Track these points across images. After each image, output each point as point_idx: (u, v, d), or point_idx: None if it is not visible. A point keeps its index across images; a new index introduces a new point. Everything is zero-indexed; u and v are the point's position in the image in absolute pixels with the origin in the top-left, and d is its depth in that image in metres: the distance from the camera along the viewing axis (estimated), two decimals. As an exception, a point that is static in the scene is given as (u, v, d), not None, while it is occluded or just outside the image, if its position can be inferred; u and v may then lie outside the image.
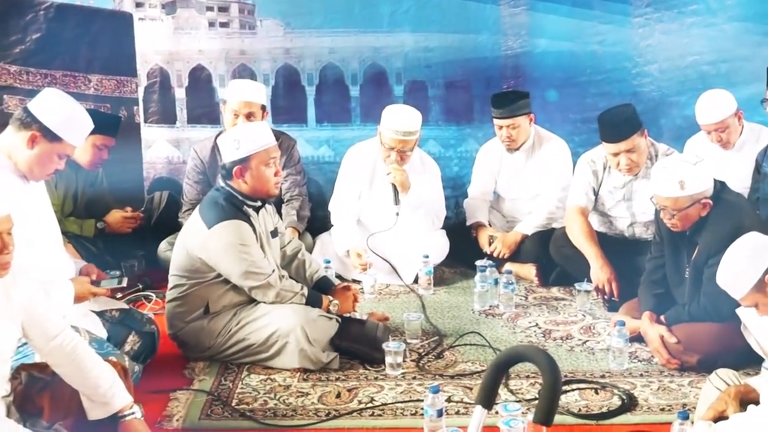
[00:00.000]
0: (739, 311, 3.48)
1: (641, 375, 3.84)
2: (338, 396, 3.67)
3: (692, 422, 3.06)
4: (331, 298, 4.16)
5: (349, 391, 3.72)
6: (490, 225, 5.40)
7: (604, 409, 3.51)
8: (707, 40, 5.75)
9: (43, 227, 3.72)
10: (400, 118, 5.02)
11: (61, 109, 3.55)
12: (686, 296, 3.95)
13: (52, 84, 5.66)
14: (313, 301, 4.06)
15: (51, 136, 3.51)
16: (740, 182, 4.43)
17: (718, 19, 5.74)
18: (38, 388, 3.21)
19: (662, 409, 3.47)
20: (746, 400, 2.90)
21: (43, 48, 5.87)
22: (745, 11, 5.70)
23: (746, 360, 3.57)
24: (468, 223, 5.43)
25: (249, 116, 4.88)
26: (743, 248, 2.87)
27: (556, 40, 5.85)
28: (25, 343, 3.21)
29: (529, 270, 5.10)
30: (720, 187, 3.96)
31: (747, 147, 4.90)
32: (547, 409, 2.29)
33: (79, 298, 3.83)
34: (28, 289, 3.15)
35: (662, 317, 3.96)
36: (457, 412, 3.44)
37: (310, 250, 4.97)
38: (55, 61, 5.91)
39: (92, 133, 3.96)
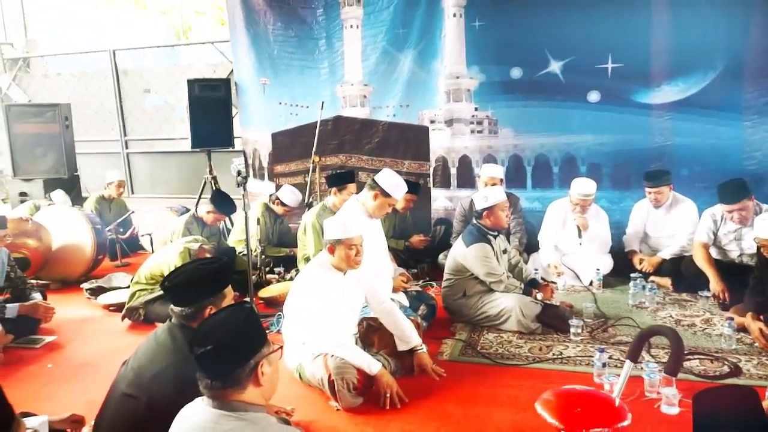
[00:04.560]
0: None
1: (745, 353, 3.42)
2: (540, 349, 3.59)
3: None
4: (537, 291, 4.07)
5: (547, 347, 3.63)
6: (640, 252, 5.01)
7: (717, 373, 3.18)
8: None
9: (378, 244, 3.96)
10: (583, 186, 4.83)
11: (392, 180, 3.79)
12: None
13: (385, 165, 5.98)
14: (526, 292, 3.99)
15: (385, 194, 3.75)
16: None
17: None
18: (372, 331, 3.41)
19: (760, 377, 3.09)
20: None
21: (380, 146, 6.25)
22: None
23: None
24: (626, 250, 5.08)
25: (493, 184, 4.89)
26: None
27: (688, 137, 5.31)
28: (366, 306, 3.42)
29: (666, 281, 4.68)
30: (805, 232, 3.49)
31: None
32: (674, 365, 2.14)
33: (395, 289, 4.02)
34: (369, 276, 3.38)
35: (761, 317, 3.53)
36: (615, 366, 3.22)
37: (526, 262, 4.89)
38: (386, 153, 6.26)
39: (406, 192, 4.18)
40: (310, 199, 5.75)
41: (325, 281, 3.15)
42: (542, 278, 4.63)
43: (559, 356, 3.48)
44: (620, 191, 5.55)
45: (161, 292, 3.68)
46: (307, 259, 4.44)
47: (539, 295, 4.01)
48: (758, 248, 3.65)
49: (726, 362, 3.28)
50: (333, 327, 3.08)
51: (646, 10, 5.30)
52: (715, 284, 4.20)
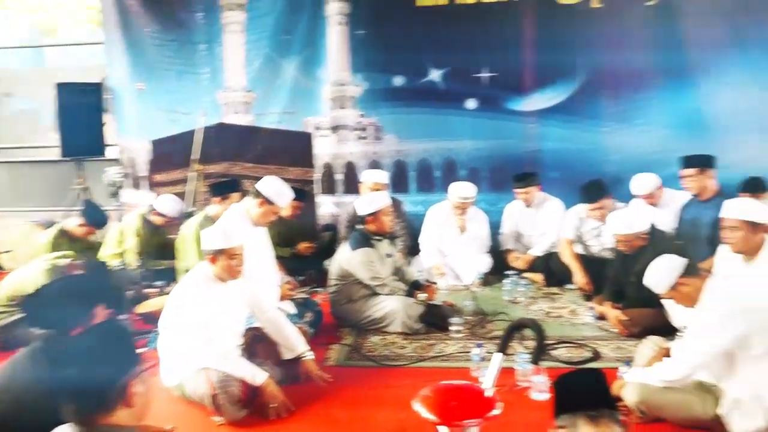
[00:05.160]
0: (663, 301, 3.37)
1: (604, 339, 3.75)
2: (423, 349, 3.71)
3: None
4: (420, 292, 4.19)
5: (430, 345, 3.77)
6: (515, 250, 5.31)
7: (581, 358, 3.46)
8: (648, 140, 5.55)
9: (263, 253, 3.91)
10: (462, 189, 5.05)
11: (276, 187, 3.77)
12: (632, 293, 3.84)
13: (270, 173, 5.87)
14: (409, 294, 4.10)
15: (269, 202, 3.72)
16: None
17: (654, 126, 5.57)
18: (257, 340, 3.36)
19: (617, 360, 3.37)
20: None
21: (264, 153, 6.16)
22: (671, 122, 5.53)
23: (669, 330, 3.43)
24: (501, 249, 5.35)
25: (377, 189, 4.96)
26: (663, 263, 2.80)
27: (557, 142, 5.74)
28: (251, 316, 3.37)
29: (538, 277, 5.00)
30: (653, 226, 3.89)
31: (670, 206, 4.69)
32: (536, 354, 2.32)
33: (282, 298, 3.99)
34: (252, 286, 3.34)
35: (618, 305, 3.88)
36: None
37: (410, 264, 5.03)
38: (271, 160, 6.16)
39: (292, 199, 4.17)
40: (192, 209, 5.57)
41: (206, 292, 3.07)
42: (426, 279, 4.77)
43: (441, 354, 3.62)
44: (497, 193, 5.82)
45: (24, 314, 3.41)
46: (188, 271, 4.29)
47: (422, 296, 4.14)
48: (615, 243, 4.00)
49: (588, 348, 3.58)
50: (215, 339, 3.01)
51: (517, 24, 5.67)
52: (579, 277, 4.56)
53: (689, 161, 4.37)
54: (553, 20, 5.62)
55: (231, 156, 6.22)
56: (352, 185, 6.08)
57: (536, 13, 5.66)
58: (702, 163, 4.32)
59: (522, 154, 5.82)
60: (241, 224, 3.69)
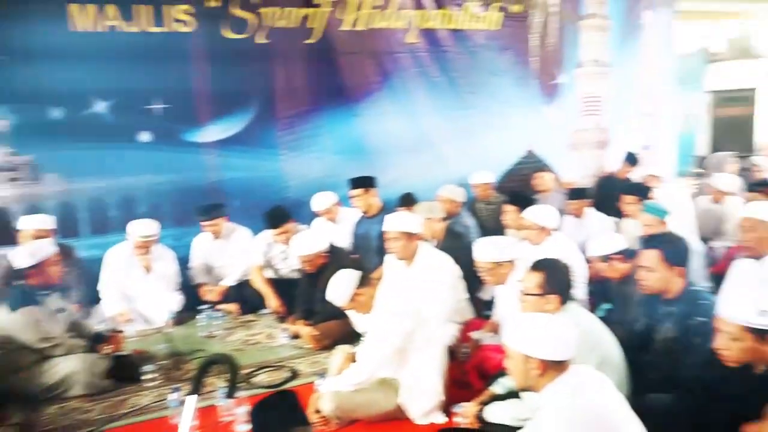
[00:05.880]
0: (347, 311, 3.69)
1: (301, 357, 3.93)
2: (113, 407, 3.37)
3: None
4: (105, 344, 3.81)
5: (122, 401, 3.44)
6: (207, 283, 5.19)
7: (281, 380, 3.55)
8: (322, 165, 6.04)
9: None
10: (142, 227, 4.75)
11: None
12: (320, 308, 4.11)
13: None
14: (92, 349, 3.70)
15: None
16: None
17: (326, 153, 6.11)
18: None
19: (314, 374, 3.52)
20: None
21: None
22: (339, 148, 6.13)
23: (357, 337, 3.74)
24: (193, 283, 5.19)
25: (40, 237, 4.34)
26: (340, 278, 3.08)
27: (237, 171, 5.83)
28: None
29: (233, 306, 4.97)
30: (331, 244, 4.23)
31: (345, 223, 5.11)
32: (231, 388, 2.31)
33: None
34: None
35: (310, 322, 4.11)
36: (191, 401, 3.29)
37: (88, 315, 4.52)
38: None
39: None
40: None
41: None
42: (111, 329, 4.32)
43: (135, 407, 3.33)
44: (184, 228, 5.62)
45: None
46: None
47: (107, 349, 3.77)
48: (300, 263, 4.24)
49: (287, 369, 3.69)
50: None
51: (187, 56, 5.60)
52: (272, 301, 4.70)
53: (355, 182, 4.88)
54: (223, 53, 5.72)
55: None
56: (5, 235, 5.19)
57: (205, 45, 5.69)
58: (365, 183, 4.88)
59: (204, 185, 5.75)
60: None
